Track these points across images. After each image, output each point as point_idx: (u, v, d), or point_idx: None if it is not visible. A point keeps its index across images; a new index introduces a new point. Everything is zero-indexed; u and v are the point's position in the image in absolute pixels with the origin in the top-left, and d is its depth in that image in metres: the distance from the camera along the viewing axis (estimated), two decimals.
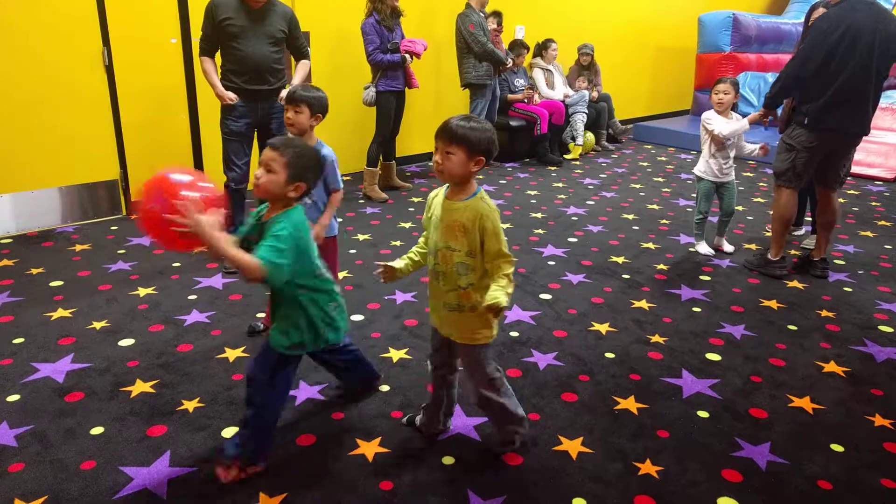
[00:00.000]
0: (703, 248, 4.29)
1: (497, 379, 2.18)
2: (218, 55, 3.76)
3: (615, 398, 2.63)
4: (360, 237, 4.44)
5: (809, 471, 2.24)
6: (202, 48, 3.73)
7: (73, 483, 2.10)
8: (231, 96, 3.69)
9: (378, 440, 2.34)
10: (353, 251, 4.17)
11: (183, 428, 2.39)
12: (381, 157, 5.51)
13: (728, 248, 4.32)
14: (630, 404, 2.59)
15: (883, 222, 5.04)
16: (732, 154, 4.12)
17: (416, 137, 6.49)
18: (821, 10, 3.95)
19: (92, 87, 4.45)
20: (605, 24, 8.21)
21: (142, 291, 3.51)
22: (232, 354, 2.89)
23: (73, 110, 4.38)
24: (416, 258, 2.19)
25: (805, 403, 2.63)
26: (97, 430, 2.36)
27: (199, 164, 5.06)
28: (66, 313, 3.25)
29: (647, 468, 2.23)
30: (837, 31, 3.49)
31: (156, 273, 3.76)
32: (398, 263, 2.18)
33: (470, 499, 2.07)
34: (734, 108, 4.13)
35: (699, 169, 4.22)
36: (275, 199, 2.03)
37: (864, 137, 3.80)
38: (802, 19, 9.50)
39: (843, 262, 4.16)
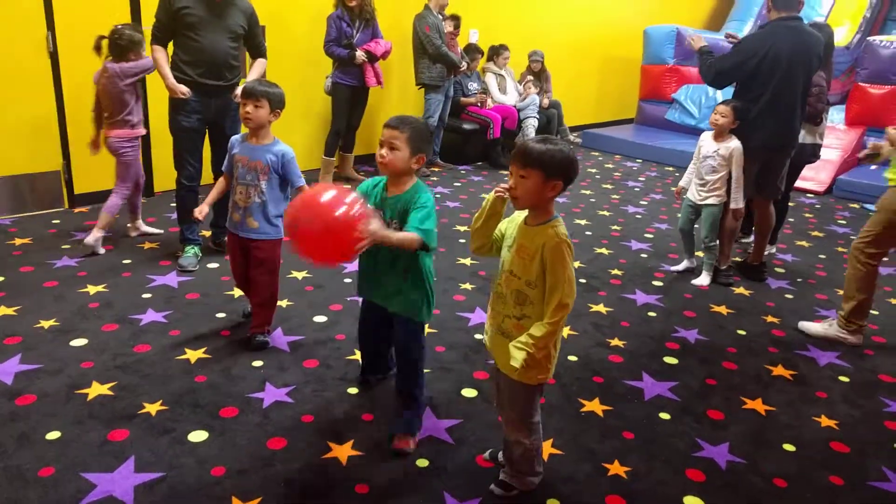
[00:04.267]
0: (683, 263, 4.20)
1: (535, 424, 2.04)
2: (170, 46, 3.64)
3: (581, 400, 2.69)
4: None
5: (765, 469, 2.36)
6: (155, 36, 3.59)
7: (32, 491, 2.01)
8: (183, 90, 3.56)
9: (350, 443, 2.32)
10: None
11: (146, 432, 2.31)
12: (338, 149, 5.60)
13: (697, 280, 4.03)
14: (595, 406, 2.66)
15: (816, 233, 5.33)
16: (714, 178, 3.86)
17: (376, 135, 6.45)
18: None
19: (35, 73, 4.23)
20: (555, 33, 8.36)
21: (91, 289, 3.36)
22: (193, 356, 2.81)
23: (13, 97, 4.16)
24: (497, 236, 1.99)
25: (758, 405, 2.77)
26: (53, 435, 2.26)
27: (147, 157, 4.87)
28: (10, 311, 3.08)
29: (616, 468, 2.30)
30: (757, 56, 3.74)
31: (105, 270, 3.60)
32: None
33: (446, 500, 2.08)
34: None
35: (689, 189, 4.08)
36: (400, 174, 2.21)
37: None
38: (739, 37, 9.96)
39: (783, 271, 4.38)
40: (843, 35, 9.31)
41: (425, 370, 2.79)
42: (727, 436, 2.54)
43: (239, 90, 3.64)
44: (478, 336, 3.16)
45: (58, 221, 4.30)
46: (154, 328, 3.02)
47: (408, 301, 2.27)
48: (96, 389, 2.53)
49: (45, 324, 2.99)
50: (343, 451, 2.28)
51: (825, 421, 2.69)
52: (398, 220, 2.20)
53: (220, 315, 3.19)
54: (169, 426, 2.35)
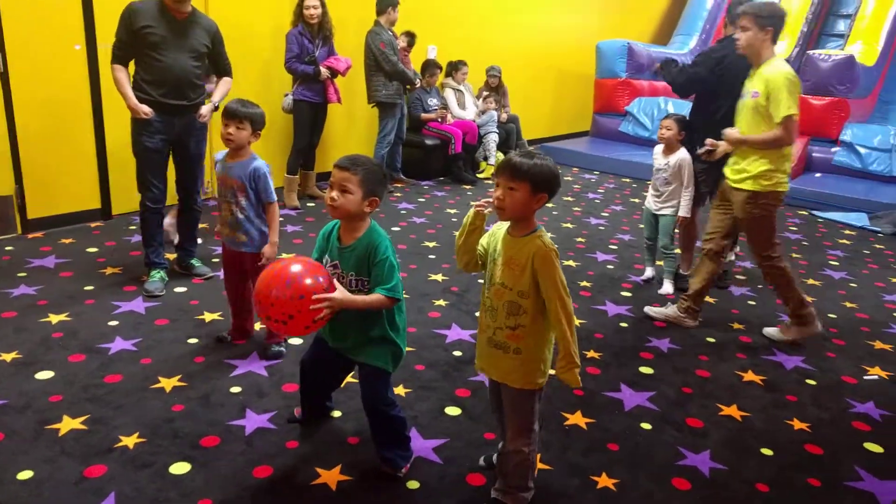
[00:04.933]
0: (647, 272, 4.34)
1: (535, 433, 2.06)
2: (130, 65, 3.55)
3: (564, 414, 2.71)
4: (285, 256, 4.32)
5: (747, 475, 2.42)
6: (115, 55, 3.49)
7: None
8: (146, 110, 3.46)
9: (338, 468, 2.29)
10: None
11: (125, 466, 2.23)
12: (299, 166, 5.56)
13: (662, 289, 4.16)
14: (578, 419, 2.69)
15: None
16: (668, 189, 4.03)
17: (330, 152, 6.41)
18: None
19: None
20: (511, 48, 8.48)
21: (53, 318, 3.24)
22: (168, 384, 2.73)
23: None
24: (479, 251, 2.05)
25: (733, 411, 2.84)
26: (25, 475, 2.16)
27: (104, 180, 4.73)
28: None
29: (605, 481, 2.32)
30: (722, 64, 3.90)
31: (66, 298, 3.47)
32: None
33: None
34: (683, 143, 4.02)
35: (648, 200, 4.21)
36: (352, 218, 2.10)
37: None
38: (686, 50, 10.27)
39: (744, 278, 4.52)
40: (783, 49, 9.72)
41: (407, 390, 2.79)
42: (707, 443, 2.59)
43: (204, 109, 3.63)
44: (456, 353, 3.16)
45: (11, 248, 4.13)
46: (124, 357, 2.93)
47: (373, 353, 2.17)
48: (68, 424, 2.43)
49: (7, 357, 2.86)
50: (332, 477, 2.24)
51: (797, 424, 2.78)
52: (354, 272, 2.11)
53: (192, 340, 3.11)
54: (148, 459, 2.27)
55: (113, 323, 3.23)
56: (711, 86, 3.99)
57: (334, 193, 2.06)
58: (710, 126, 3.96)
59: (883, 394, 3.08)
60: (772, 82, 3.20)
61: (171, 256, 3.95)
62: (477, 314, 3.60)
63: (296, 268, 2.00)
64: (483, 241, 2.04)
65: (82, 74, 4.50)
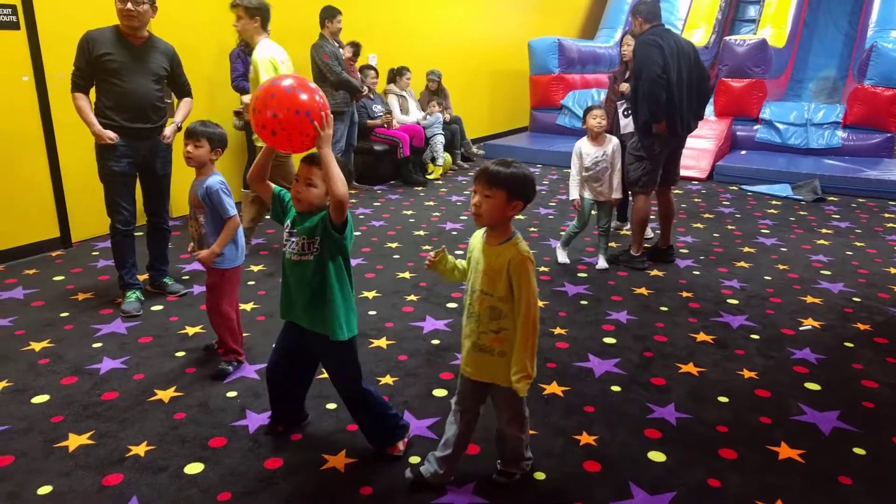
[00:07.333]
0: (561, 256, 4.63)
1: (527, 419, 2.22)
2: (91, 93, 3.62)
3: (541, 385, 2.96)
4: (254, 268, 4.44)
5: (708, 419, 2.71)
6: (75, 84, 3.55)
7: None
8: (111, 135, 3.55)
9: (343, 452, 2.46)
10: (251, 283, 4.17)
11: (141, 472, 2.34)
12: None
13: (601, 264, 4.48)
14: (555, 388, 2.94)
15: (707, 215, 5.93)
16: (606, 175, 4.36)
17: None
18: (628, 38, 4.80)
19: None
20: (448, 52, 8.74)
21: (35, 346, 3.29)
22: (165, 395, 2.84)
23: None
24: (459, 269, 2.21)
25: (690, 368, 3.14)
26: (45, 490, 2.25)
27: (62, 211, 4.74)
28: None
29: (586, 439, 2.57)
30: (662, 56, 4.15)
31: (43, 326, 3.52)
32: (451, 259, 2.21)
33: (445, 488, 2.27)
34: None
35: (585, 192, 4.46)
36: (315, 209, 2.22)
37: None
38: (612, 42, 10.71)
39: (687, 251, 4.88)
40: (701, 36, 10.31)
41: (394, 378, 2.98)
42: (671, 397, 2.88)
43: (167, 130, 3.73)
44: (434, 342, 3.37)
45: None
46: (116, 375, 3.01)
47: (324, 316, 2.25)
48: (75, 441, 2.52)
49: None
50: (339, 461, 2.42)
51: (747, 373, 3.10)
52: (307, 237, 2.21)
53: (180, 354, 3.21)
54: (162, 463, 2.39)
55: (97, 345, 3.30)
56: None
57: (300, 186, 2.17)
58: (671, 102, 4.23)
59: (816, 340, 3.45)
60: (254, 62, 4.07)
61: (143, 277, 4.01)
62: (448, 305, 3.83)
63: (304, 96, 2.02)
64: (467, 255, 2.19)
65: (31, 106, 4.50)
